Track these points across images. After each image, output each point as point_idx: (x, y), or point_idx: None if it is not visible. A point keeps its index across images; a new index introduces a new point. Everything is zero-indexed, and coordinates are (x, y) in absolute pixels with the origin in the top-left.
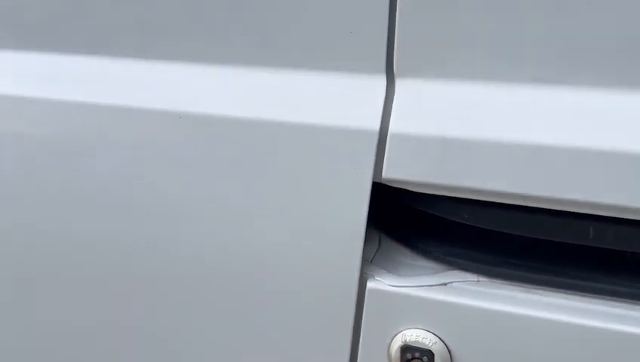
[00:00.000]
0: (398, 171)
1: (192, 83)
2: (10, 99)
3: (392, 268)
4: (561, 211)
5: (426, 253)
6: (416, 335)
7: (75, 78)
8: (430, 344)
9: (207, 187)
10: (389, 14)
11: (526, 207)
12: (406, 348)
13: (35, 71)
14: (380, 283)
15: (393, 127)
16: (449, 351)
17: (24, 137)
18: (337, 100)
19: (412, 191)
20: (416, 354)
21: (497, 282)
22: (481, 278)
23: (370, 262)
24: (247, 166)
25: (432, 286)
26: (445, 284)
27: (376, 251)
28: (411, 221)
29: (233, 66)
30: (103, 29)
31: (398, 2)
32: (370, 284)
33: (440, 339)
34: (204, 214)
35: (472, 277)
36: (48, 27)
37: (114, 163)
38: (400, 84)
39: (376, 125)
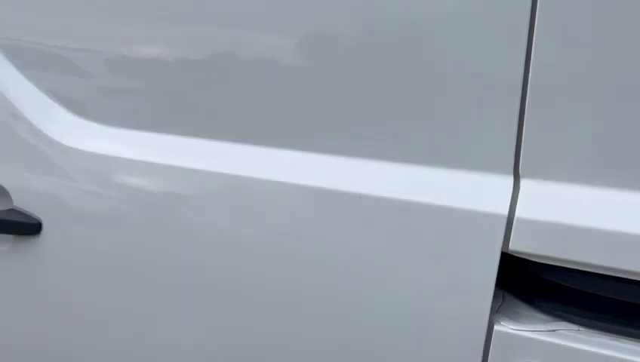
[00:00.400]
0: (520, 245)
1: (359, 172)
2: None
3: (513, 317)
4: None
5: (540, 308)
6: None
7: (267, 162)
8: None
9: (366, 249)
10: (517, 133)
11: (618, 277)
12: None
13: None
14: (504, 327)
15: (518, 213)
16: None
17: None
18: (476, 191)
19: (530, 261)
20: None
21: (594, 332)
22: (582, 328)
23: (496, 311)
24: (404, 238)
25: (543, 331)
26: (553, 331)
27: (501, 304)
28: (529, 282)
29: (395, 162)
30: (284, 124)
31: (525, 122)
32: (496, 327)
33: None
34: (361, 270)
35: (574, 327)
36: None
37: (293, 225)
38: (524, 182)
39: (505, 211)
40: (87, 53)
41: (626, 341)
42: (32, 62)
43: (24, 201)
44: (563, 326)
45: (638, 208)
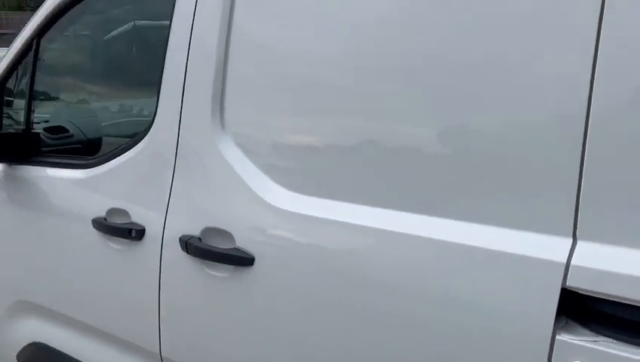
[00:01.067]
0: (575, 283)
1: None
2: None
3: (570, 331)
4: None
5: (587, 326)
6: None
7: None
8: None
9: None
10: (576, 201)
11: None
12: None
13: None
14: (563, 337)
15: (573, 262)
16: None
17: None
18: (543, 246)
19: (584, 295)
20: None
21: (623, 343)
22: (615, 341)
23: (560, 328)
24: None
25: (589, 341)
26: (596, 341)
27: (564, 325)
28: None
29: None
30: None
31: (581, 190)
32: (557, 337)
33: None
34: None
35: (610, 339)
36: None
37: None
38: (580, 240)
39: (564, 259)
40: (290, 145)
41: None
42: (258, 150)
43: (243, 243)
44: (602, 339)
45: None
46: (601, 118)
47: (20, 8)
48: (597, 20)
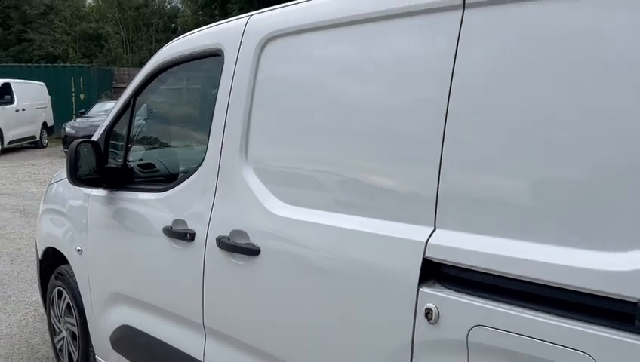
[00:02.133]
0: (432, 254)
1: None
2: None
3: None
4: None
5: (444, 284)
6: None
7: None
8: None
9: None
10: (435, 205)
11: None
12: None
13: None
14: (425, 288)
15: (430, 241)
16: None
17: None
18: (413, 231)
19: (438, 262)
20: None
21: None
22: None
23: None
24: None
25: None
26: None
27: (427, 283)
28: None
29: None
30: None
31: (438, 198)
32: (421, 289)
33: None
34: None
35: (456, 292)
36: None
37: None
38: (438, 228)
39: (424, 239)
40: (287, 174)
41: None
42: (267, 177)
43: (254, 239)
44: (447, 290)
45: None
46: (452, 140)
47: (141, 65)
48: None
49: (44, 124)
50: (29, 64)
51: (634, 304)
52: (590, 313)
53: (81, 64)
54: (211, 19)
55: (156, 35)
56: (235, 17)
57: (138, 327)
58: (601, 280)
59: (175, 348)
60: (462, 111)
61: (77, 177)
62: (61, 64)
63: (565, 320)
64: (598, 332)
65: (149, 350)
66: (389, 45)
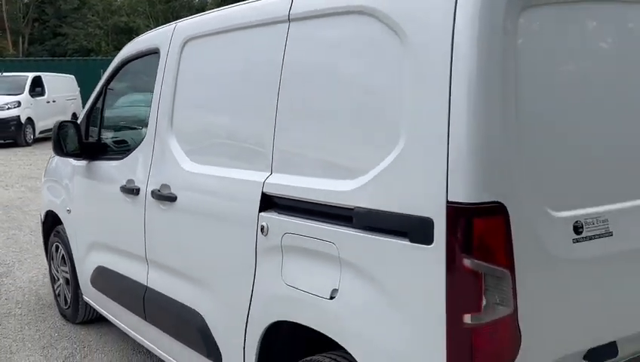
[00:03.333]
0: (268, 190)
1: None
2: None
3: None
4: None
5: (275, 210)
6: None
7: None
8: None
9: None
10: (271, 159)
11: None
12: None
13: None
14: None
15: (267, 181)
16: None
17: None
18: (257, 175)
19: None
20: None
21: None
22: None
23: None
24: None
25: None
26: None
27: (266, 210)
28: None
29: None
30: None
31: (273, 154)
32: (260, 214)
33: None
34: None
35: (283, 215)
36: None
37: None
38: (273, 173)
39: (263, 179)
40: (193, 140)
41: None
42: (182, 142)
43: (174, 190)
44: (275, 214)
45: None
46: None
47: None
48: None
49: (74, 114)
50: (60, 58)
51: (352, 209)
52: (334, 217)
53: (110, 57)
54: None
55: None
56: (170, 23)
57: (108, 266)
58: (338, 196)
59: (130, 278)
60: (286, 98)
61: (61, 151)
62: (92, 57)
63: (324, 224)
64: (338, 229)
65: (115, 282)
66: (247, 47)
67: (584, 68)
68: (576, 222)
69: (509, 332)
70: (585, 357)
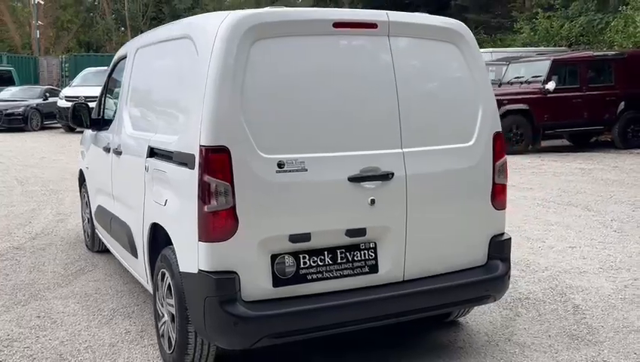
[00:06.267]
0: (152, 144)
1: None
2: None
3: None
4: None
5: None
6: None
7: None
8: None
9: None
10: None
11: None
12: None
13: None
14: None
15: (151, 139)
16: None
17: None
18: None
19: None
20: None
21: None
22: None
23: None
24: None
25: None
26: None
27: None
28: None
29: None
30: None
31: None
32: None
33: None
34: None
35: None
36: None
37: None
38: (156, 134)
39: (150, 138)
40: (134, 116)
41: None
42: (131, 118)
43: (122, 147)
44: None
45: None
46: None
47: None
48: None
49: None
50: None
51: (172, 152)
52: (165, 157)
53: None
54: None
55: None
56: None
57: (102, 205)
58: (168, 146)
59: (107, 210)
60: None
61: (74, 122)
62: None
63: (162, 161)
64: (167, 163)
65: (103, 215)
66: (166, 54)
67: (294, 72)
68: (280, 161)
69: (230, 218)
70: (289, 239)
